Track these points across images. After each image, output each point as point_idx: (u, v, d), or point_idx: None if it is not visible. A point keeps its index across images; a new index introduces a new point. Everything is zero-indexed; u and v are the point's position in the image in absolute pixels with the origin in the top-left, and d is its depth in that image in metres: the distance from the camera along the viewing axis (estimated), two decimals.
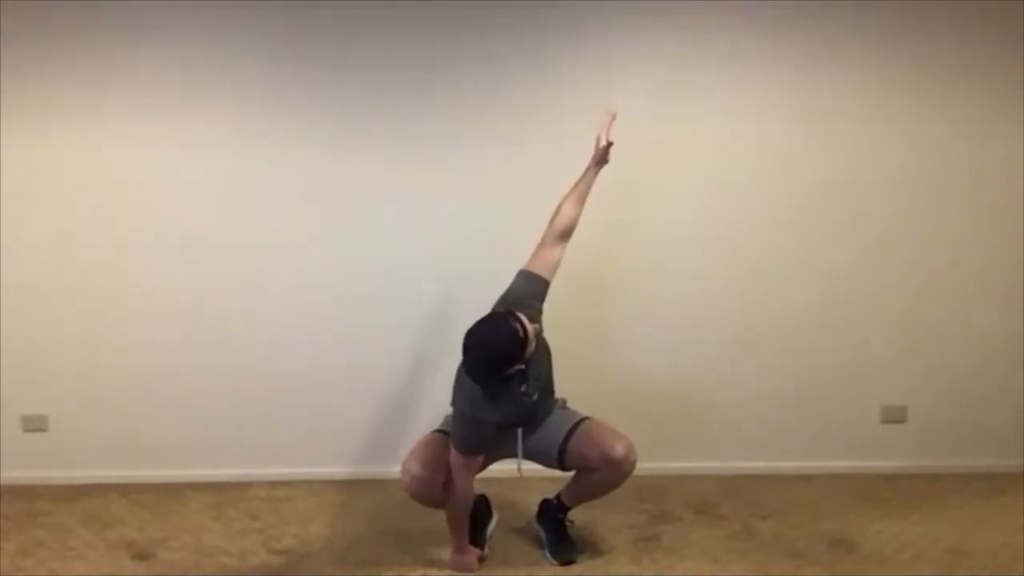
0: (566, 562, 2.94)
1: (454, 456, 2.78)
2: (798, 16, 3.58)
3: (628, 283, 3.67)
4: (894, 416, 3.77)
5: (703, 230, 3.68)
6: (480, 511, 3.06)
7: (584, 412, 2.97)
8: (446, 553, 2.96)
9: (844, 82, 3.61)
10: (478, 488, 3.02)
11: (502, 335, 2.56)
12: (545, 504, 3.08)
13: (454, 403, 2.79)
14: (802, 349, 3.74)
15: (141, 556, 3.02)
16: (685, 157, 3.65)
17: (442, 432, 2.90)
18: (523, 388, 2.74)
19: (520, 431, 2.87)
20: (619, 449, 2.81)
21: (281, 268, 3.66)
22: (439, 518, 3.10)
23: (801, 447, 3.76)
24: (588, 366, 3.59)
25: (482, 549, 2.99)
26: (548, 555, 2.98)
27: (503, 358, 2.56)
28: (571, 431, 2.88)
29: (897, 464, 3.75)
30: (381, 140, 3.61)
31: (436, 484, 2.82)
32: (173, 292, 3.64)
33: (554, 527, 3.03)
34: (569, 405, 3.02)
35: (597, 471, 2.84)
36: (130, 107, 3.57)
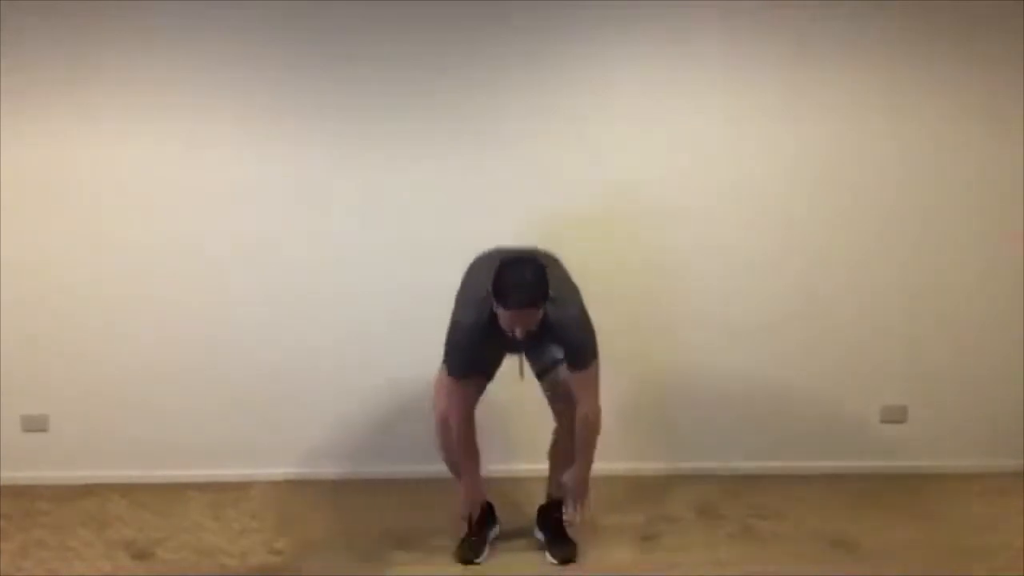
0: (566, 561, 2.94)
1: (446, 379, 2.80)
2: (799, 17, 3.58)
3: (626, 284, 3.67)
4: (894, 416, 3.77)
5: (701, 230, 3.67)
6: (484, 515, 3.07)
7: None
8: (450, 550, 2.98)
9: (845, 82, 3.62)
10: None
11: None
12: (541, 509, 3.09)
13: (455, 314, 2.78)
14: (802, 349, 3.73)
15: (141, 556, 3.02)
16: (683, 157, 3.64)
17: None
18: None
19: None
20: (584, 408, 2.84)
21: (282, 269, 3.66)
22: (438, 518, 3.12)
23: (801, 447, 3.76)
24: None
25: (484, 552, 2.99)
26: (548, 555, 2.98)
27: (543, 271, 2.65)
28: (558, 362, 2.88)
29: (897, 464, 3.75)
30: (381, 140, 3.61)
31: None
32: (173, 292, 3.65)
33: (552, 527, 3.03)
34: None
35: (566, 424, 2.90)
36: (130, 107, 3.57)
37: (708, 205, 3.66)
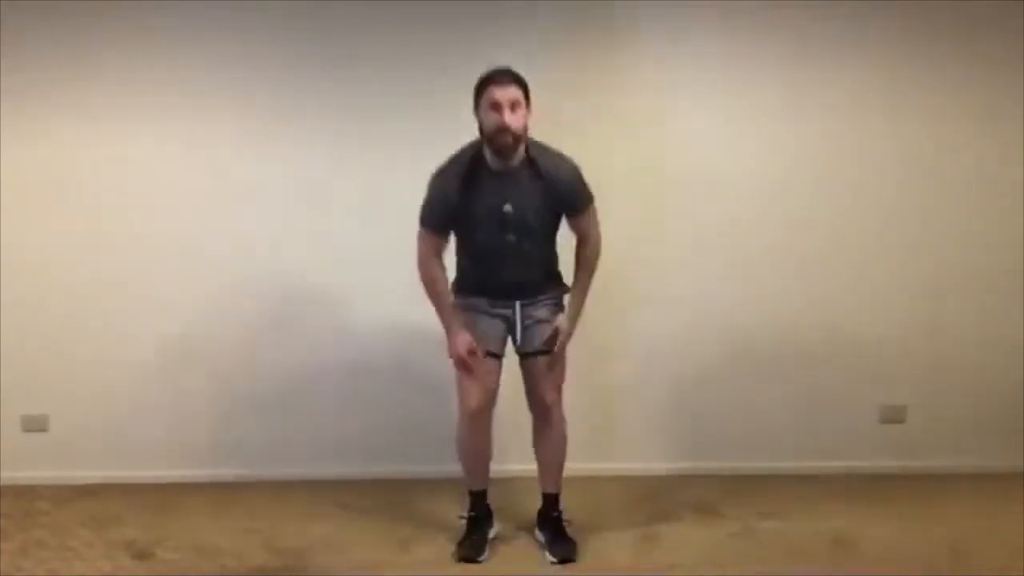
0: (565, 560, 2.94)
1: (421, 233, 2.88)
2: (799, 17, 3.58)
3: (627, 283, 3.67)
4: (894, 416, 3.77)
5: (702, 229, 3.68)
6: (484, 518, 3.08)
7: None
8: (452, 547, 2.99)
9: (845, 82, 3.62)
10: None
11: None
12: (540, 512, 3.10)
13: (431, 183, 2.86)
14: (802, 349, 3.73)
15: (141, 556, 3.02)
16: (684, 157, 3.64)
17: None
18: (506, 208, 2.81)
19: (518, 304, 2.93)
20: (547, 395, 2.99)
21: (281, 268, 3.66)
22: (438, 519, 3.12)
23: (801, 447, 3.75)
24: (588, 366, 3.59)
25: (484, 552, 2.98)
26: (548, 554, 2.98)
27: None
28: (545, 351, 2.95)
29: (897, 464, 3.75)
30: (381, 140, 3.61)
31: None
32: (173, 292, 3.65)
33: (551, 526, 3.03)
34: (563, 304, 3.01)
35: (534, 412, 3.02)
36: (130, 107, 3.57)
37: (707, 205, 3.66)
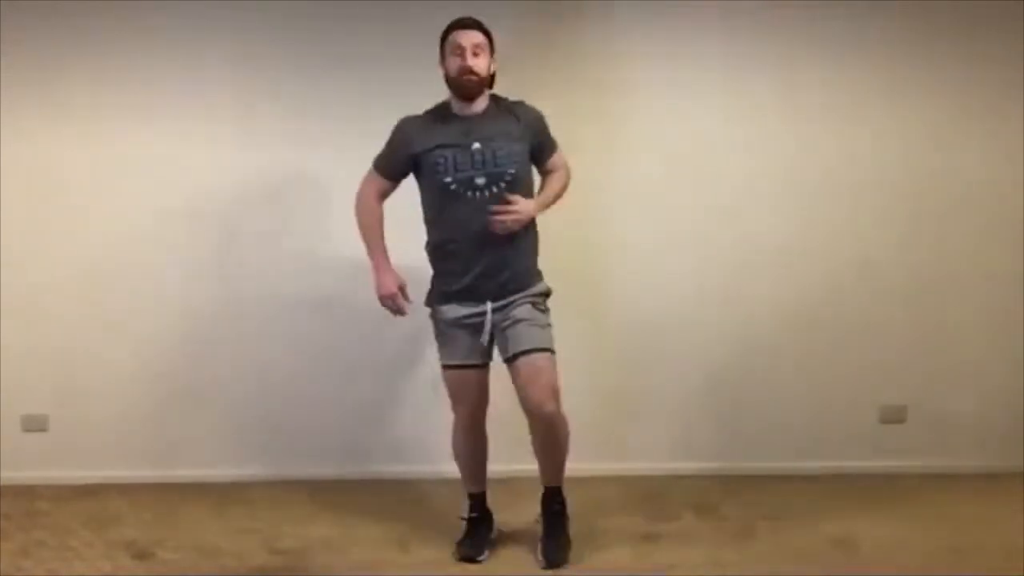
0: (554, 565, 2.87)
1: (367, 174, 2.96)
2: (799, 17, 3.59)
3: (626, 283, 3.67)
4: (894, 416, 3.77)
5: (702, 229, 3.67)
6: (484, 518, 3.07)
7: (544, 341, 2.86)
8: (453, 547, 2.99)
9: (845, 82, 3.62)
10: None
11: None
12: (542, 497, 3.03)
13: (394, 129, 2.95)
14: (801, 349, 3.73)
15: (141, 556, 3.02)
16: (685, 157, 3.65)
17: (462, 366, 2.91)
18: (475, 146, 2.80)
19: (490, 306, 2.83)
20: (544, 405, 2.82)
21: (281, 268, 3.66)
22: (438, 519, 3.11)
23: (801, 447, 3.75)
24: (588, 367, 3.59)
25: (484, 552, 2.98)
26: (539, 553, 2.92)
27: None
28: (526, 351, 2.82)
29: (897, 464, 3.75)
30: (381, 140, 3.58)
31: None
32: (173, 291, 3.65)
33: (550, 522, 2.98)
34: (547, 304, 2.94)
35: (530, 420, 2.86)
36: (130, 107, 3.57)
37: (707, 205, 3.66)
